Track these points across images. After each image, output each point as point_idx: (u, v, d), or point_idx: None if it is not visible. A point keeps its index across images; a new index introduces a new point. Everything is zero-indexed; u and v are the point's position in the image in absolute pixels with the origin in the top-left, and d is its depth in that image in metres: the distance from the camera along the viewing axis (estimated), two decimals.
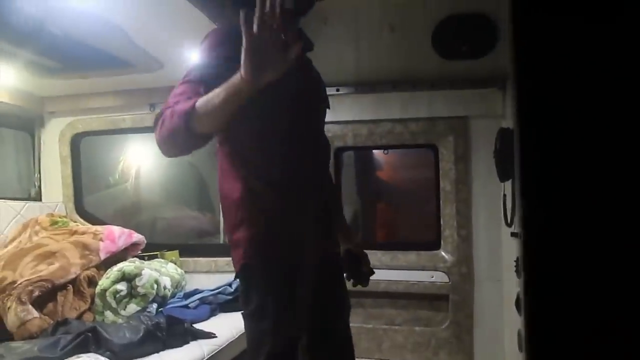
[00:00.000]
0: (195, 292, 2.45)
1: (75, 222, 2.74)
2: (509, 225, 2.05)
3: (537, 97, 0.56)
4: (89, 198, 3.06)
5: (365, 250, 1.54)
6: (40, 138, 2.94)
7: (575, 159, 0.55)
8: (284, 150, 1.27)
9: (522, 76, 0.54)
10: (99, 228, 2.54)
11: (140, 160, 3.56)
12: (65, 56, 2.30)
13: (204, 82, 1.15)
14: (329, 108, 1.49)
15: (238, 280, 1.33)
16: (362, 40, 2.48)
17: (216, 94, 1.06)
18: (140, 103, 2.77)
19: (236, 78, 1.03)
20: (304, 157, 1.30)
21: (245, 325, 1.31)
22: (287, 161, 1.27)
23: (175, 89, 1.19)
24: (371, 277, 1.51)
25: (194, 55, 2.15)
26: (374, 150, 3.05)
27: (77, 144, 2.94)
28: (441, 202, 2.51)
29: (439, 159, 2.51)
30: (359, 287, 1.49)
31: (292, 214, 1.27)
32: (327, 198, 1.42)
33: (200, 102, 1.08)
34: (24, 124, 2.88)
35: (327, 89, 2.38)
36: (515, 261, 1.90)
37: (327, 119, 2.54)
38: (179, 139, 1.12)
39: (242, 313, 1.30)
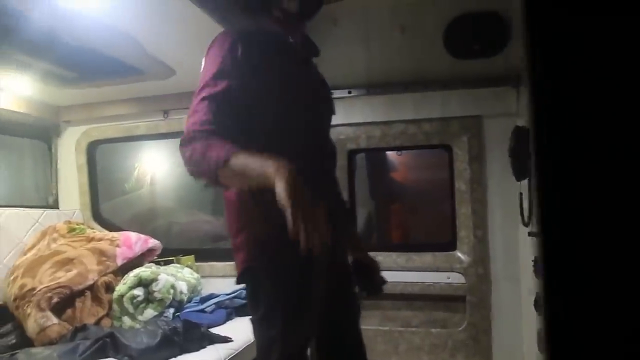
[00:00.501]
0: (212, 296, 2.46)
1: (92, 229, 2.78)
2: (526, 224, 2.02)
3: (552, 94, 0.55)
4: (105, 205, 3.09)
5: (380, 252, 1.53)
6: (56, 147, 2.98)
7: (593, 156, 0.53)
8: (287, 156, 1.26)
9: (537, 73, 0.54)
10: (115, 234, 2.57)
11: (155, 167, 3.59)
12: (79, 66, 2.34)
13: (226, 96, 1.18)
14: (334, 113, 1.49)
15: (244, 285, 1.31)
16: (372, 41, 2.48)
17: (247, 168, 1.08)
18: (154, 110, 2.79)
19: (269, 171, 1.04)
20: (307, 163, 1.29)
21: (254, 330, 1.30)
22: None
23: (196, 102, 1.19)
24: (388, 280, 1.49)
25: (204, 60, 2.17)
26: (387, 152, 3.04)
27: (92, 152, 2.98)
28: (456, 202, 2.49)
29: (453, 159, 2.49)
30: None
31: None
32: (333, 204, 1.40)
33: (233, 163, 1.09)
34: (41, 133, 2.93)
35: (339, 91, 2.39)
36: (533, 261, 1.87)
37: (340, 121, 2.55)
38: (204, 178, 1.15)
39: (250, 319, 1.30)
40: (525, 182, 1.97)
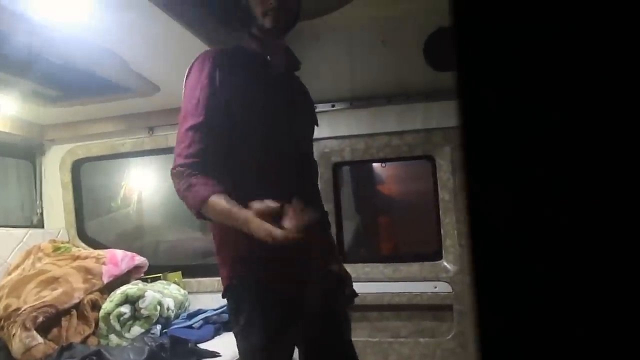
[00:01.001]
0: (199, 312, 2.45)
1: (77, 247, 2.76)
2: None
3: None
4: (91, 223, 3.08)
5: (367, 264, 1.54)
6: (41, 165, 2.97)
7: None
8: (266, 170, 1.29)
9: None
10: (101, 252, 2.55)
11: (142, 184, 3.58)
12: (63, 84, 2.34)
13: (208, 125, 1.23)
14: (317, 125, 1.52)
15: (227, 299, 1.34)
16: (354, 55, 2.52)
17: (228, 214, 1.16)
18: (139, 127, 2.80)
19: (248, 220, 1.12)
20: (286, 178, 1.31)
21: (237, 343, 1.31)
22: (269, 182, 1.28)
23: (182, 132, 1.25)
24: (375, 291, 1.50)
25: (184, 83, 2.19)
26: (372, 164, 3.07)
27: (77, 170, 2.97)
28: (441, 212, 2.52)
29: (436, 170, 2.52)
30: (365, 300, 1.48)
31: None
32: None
33: (214, 204, 1.17)
34: (25, 152, 2.92)
35: (322, 105, 2.42)
36: None
37: (324, 134, 2.58)
38: (190, 211, 1.24)
39: (233, 331, 1.32)
40: None
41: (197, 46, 1.88)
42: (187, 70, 1.32)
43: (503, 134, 0.41)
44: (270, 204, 1.10)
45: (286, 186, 1.28)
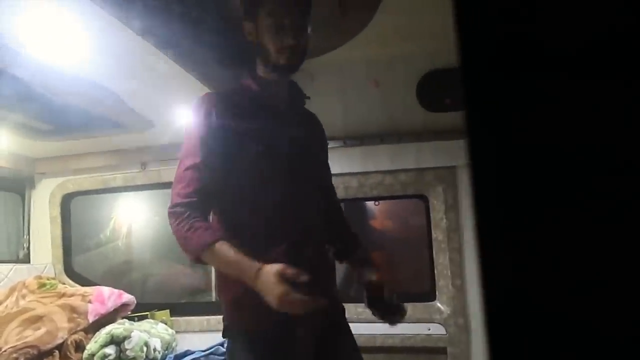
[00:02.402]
0: (187, 353, 2.38)
1: (64, 283, 2.70)
2: None
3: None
4: (78, 258, 3.02)
5: (359, 304, 1.51)
6: (30, 199, 2.93)
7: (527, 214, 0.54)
8: (266, 211, 1.28)
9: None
10: (88, 289, 2.49)
11: (132, 218, 3.54)
12: (56, 119, 2.33)
13: (208, 167, 1.23)
14: (326, 159, 1.53)
15: (226, 340, 1.33)
16: (348, 95, 2.55)
17: (228, 263, 1.18)
18: (132, 162, 2.78)
19: (251, 272, 1.14)
20: (288, 217, 1.29)
21: None
22: (270, 223, 1.27)
23: (181, 171, 1.25)
24: (367, 332, 1.46)
25: (185, 118, 2.19)
26: (365, 202, 3.06)
27: (67, 204, 2.93)
28: (434, 252, 2.50)
29: (429, 209, 2.52)
30: (357, 342, 1.45)
31: None
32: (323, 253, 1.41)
33: (220, 250, 1.17)
34: (14, 185, 2.88)
35: None
36: None
37: None
38: (187, 255, 1.24)
39: None
40: None
41: (192, 84, 1.90)
42: (194, 107, 1.32)
43: (511, 173, 0.40)
44: (291, 270, 1.10)
45: (288, 226, 1.27)
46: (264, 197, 1.28)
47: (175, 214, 1.22)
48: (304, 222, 1.33)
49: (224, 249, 1.16)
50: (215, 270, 1.36)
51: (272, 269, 1.11)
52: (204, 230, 1.18)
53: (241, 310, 1.26)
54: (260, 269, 1.12)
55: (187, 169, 1.24)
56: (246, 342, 1.24)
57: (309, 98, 1.50)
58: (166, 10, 1.52)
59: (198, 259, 1.20)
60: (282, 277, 1.10)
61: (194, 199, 1.21)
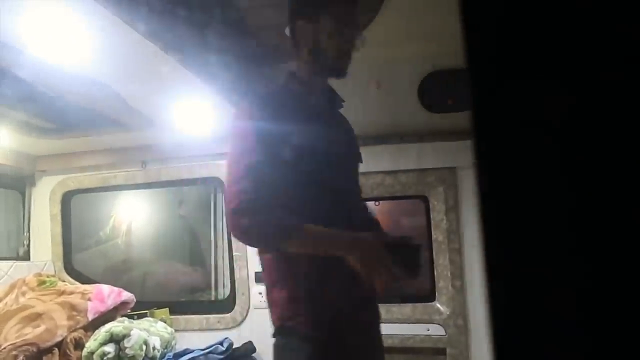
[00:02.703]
0: (186, 351, 2.39)
1: (63, 281, 2.70)
2: None
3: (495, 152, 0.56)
4: (78, 256, 3.02)
5: None
6: (30, 196, 2.93)
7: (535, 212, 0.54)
8: (316, 209, 1.28)
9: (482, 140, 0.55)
10: (87, 287, 2.50)
11: (132, 216, 3.55)
12: (57, 117, 2.33)
13: (267, 164, 1.21)
14: (361, 162, 1.54)
15: (275, 339, 1.30)
16: (350, 96, 2.54)
17: (322, 237, 1.20)
18: (132, 160, 2.78)
19: (347, 240, 1.18)
20: (339, 214, 1.31)
21: None
22: (322, 219, 1.27)
23: (240, 169, 1.22)
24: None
25: (186, 117, 2.20)
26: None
27: (67, 201, 2.93)
28: (434, 252, 2.50)
29: (430, 210, 2.52)
30: None
31: (331, 276, 1.25)
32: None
33: (311, 229, 1.18)
34: (15, 182, 2.88)
35: None
36: None
37: None
38: (264, 245, 1.26)
39: None
40: None
41: (193, 83, 1.89)
42: (237, 107, 1.36)
43: (517, 173, 0.40)
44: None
45: (343, 222, 1.28)
46: (317, 193, 1.28)
47: (246, 210, 1.18)
48: (357, 216, 1.39)
49: (312, 227, 1.17)
50: (270, 268, 1.33)
51: (370, 235, 1.19)
52: (283, 219, 1.18)
53: (297, 309, 1.24)
54: (357, 237, 1.18)
55: (246, 167, 1.22)
56: (300, 342, 1.23)
57: (344, 102, 1.53)
58: (171, 13, 1.52)
59: (280, 247, 1.20)
60: (380, 244, 1.15)
61: (261, 195, 1.19)
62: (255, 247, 1.31)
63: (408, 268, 1.28)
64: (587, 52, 0.37)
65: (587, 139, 0.37)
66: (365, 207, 1.59)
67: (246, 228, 1.19)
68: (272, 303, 1.30)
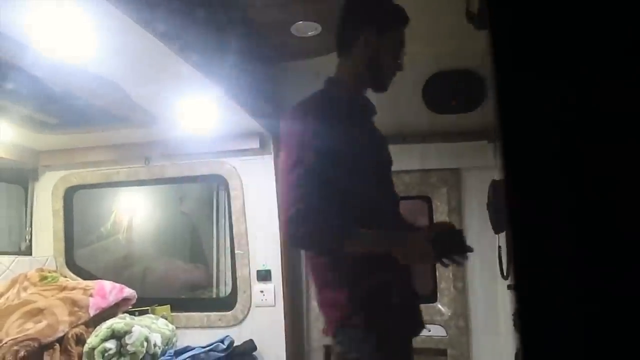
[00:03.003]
0: (187, 349, 2.39)
1: (65, 277, 2.70)
2: (505, 277, 2.04)
3: (523, 150, 0.56)
4: (80, 251, 3.02)
5: None
6: (33, 191, 2.93)
7: (566, 209, 0.54)
8: (367, 211, 1.34)
9: (508, 131, 0.55)
10: (89, 283, 2.49)
11: (134, 212, 3.54)
12: (61, 112, 2.33)
13: (323, 169, 1.26)
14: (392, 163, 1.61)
15: (336, 339, 1.33)
16: None
17: (378, 238, 1.28)
18: (135, 157, 2.78)
19: (401, 238, 1.30)
20: (383, 216, 1.39)
21: None
22: (369, 221, 1.33)
23: (296, 177, 1.26)
24: None
25: (190, 114, 2.19)
26: None
27: (70, 197, 2.93)
28: None
29: (432, 210, 2.52)
30: None
31: (386, 273, 1.33)
32: None
33: (366, 232, 1.27)
34: (18, 177, 2.88)
35: None
36: (513, 314, 1.87)
37: None
38: (323, 249, 1.32)
39: None
40: (503, 235, 1.99)
41: (198, 80, 1.89)
42: (292, 112, 1.37)
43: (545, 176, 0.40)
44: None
45: (389, 220, 1.40)
46: (364, 196, 1.33)
47: (303, 218, 1.23)
48: (396, 216, 1.49)
49: (364, 229, 1.25)
50: (324, 270, 1.37)
51: (421, 232, 1.34)
52: (338, 223, 1.24)
53: (359, 306, 1.29)
54: (403, 235, 1.32)
55: (300, 175, 1.26)
56: (365, 334, 1.27)
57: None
58: (178, 11, 1.52)
59: (337, 250, 1.26)
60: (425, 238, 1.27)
61: (316, 201, 1.24)
62: (314, 252, 1.35)
63: (456, 254, 1.34)
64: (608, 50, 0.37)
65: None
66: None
67: (304, 234, 1.24)
68: (327, 303, 1.35)
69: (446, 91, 2.43)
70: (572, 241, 0.41)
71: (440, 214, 2.49)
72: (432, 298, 2.49)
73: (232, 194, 2.66)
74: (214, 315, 2.63)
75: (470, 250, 1.36)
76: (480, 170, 2.40)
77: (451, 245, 1.34)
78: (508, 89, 0.44)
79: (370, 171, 1.38)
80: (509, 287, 1.97)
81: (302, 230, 1.23)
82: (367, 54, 1.41)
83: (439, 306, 2.46)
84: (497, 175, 2.24)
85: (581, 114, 0.39)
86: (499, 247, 2.08)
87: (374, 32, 1.40)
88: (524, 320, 0.42)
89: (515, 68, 0.43)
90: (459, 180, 2.48)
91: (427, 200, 2.54)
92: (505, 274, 2.03)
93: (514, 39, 0.40)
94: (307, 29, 2.00)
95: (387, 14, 1.44)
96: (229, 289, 2.80)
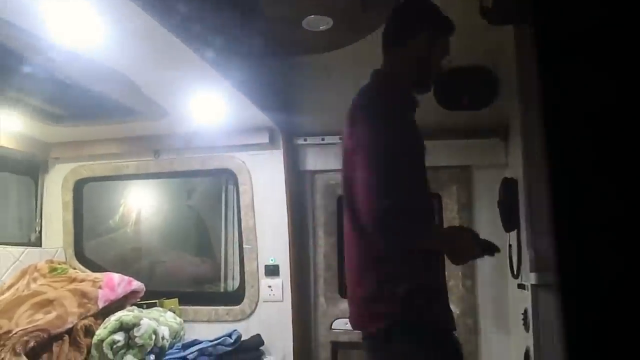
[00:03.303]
0: (195, 342, 2.39)
1: (74, 268, 2.71)
2: (515, 276, 2.02)
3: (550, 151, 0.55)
4: (89, 244, 3.03)
5: None
6: (43, 183, 2.94)
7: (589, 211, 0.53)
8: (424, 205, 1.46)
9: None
10: (98, 275, 2.51)
11: (142, 206, 3.55)
12: (72, 104, 2.34)
13: (397, 168, 1.31)
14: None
15: (387, 337, 1.36)
16: None
17: (444, 236, 1.45)
18: (145, 150, 2.79)
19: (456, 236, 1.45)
20: (430, 209, 1.54)
21: None
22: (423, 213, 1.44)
23: (376, 177, 1.30)
24: None
25: (200, 108, 2.19)
26: None
27: (80, 189, 2.94)
28: None
29: (442, 208, 2.50)
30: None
31: (435, 270, 1.43)
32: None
33: (435, 230, 1.48)
34: (28, 169, 2.90)
35: (331, 137, 2.49)
36: (523, 313, 1.86)
37: (331, 167, 2.58)
38: (405, 246, 1.36)
39: None
40: (514, 233, 1.97)
41: (208, 73, 1.88)
42: (356, 110, 1.46)
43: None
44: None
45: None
46: (422, 191, 1.45)
47: (393, 218, 1.26)
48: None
49: (435, 230, 1.42)
50: (386, 264, 1.39)
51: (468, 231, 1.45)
52: (418, 219, 1.34)
53: (412, 303, 1.32)
54: (456, 232, 1.51)
55: (384, 173, 1.30)
56: (418, 335, 1.32)
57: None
58: (190, 5, 1.52)
59: (416, 245, 1.34)
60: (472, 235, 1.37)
61: (398, 200, 1.27)
62: (399, 246, 1.35)
63: (489, 249, 1.40)
64: None
65: None
66: None
67: (394, 234, 1.29)
68: (384, 297, 1.35)
69: (458, 88, 2.41)
70: (616, 245, 0.39)
71: (450, 212, 2.47)
72: None
73: (240, 188, 2.66)
74: (221, 309, 2.64)
75: (499, 250, 1.42)
76: (491, 168, 2.38)
77: (486, 244, 1.40)
78: (554, 89, 0.43)
79: (423, 167, 1.49)
80: (519, 285, 1.95)
81: (395, 230, 1.28)
82: (420, 54, 1.48)
83: None
84: (508, 172, 2.22)
85: (626, 113, 0.37)
86: (509, 245, 2.06)
87: (430, 34, 1.46)
88: (569, 326, 0.41)
89: (561, 62, 0.42)
90: (469, 178, 2.46)
91: (437, 198, 2.52)
92: (515, 272, 2.01)
93: (557, 33, 0.39)
94: (318, 23, 1.98)
95: (443, 20, 1.50)
96: (237, 284, 2.80)
